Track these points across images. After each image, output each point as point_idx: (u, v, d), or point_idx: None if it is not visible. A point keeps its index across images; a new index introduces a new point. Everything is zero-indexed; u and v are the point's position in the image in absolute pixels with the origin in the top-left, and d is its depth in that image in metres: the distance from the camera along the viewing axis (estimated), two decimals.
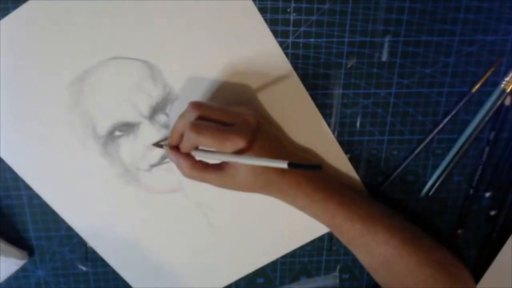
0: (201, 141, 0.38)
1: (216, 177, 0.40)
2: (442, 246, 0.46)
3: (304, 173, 0.42)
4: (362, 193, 0.49)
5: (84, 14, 0.41)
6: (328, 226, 0.44)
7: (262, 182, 0.40)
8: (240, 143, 0.37)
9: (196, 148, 0.40)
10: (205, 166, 0.40)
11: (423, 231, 0.46)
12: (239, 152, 0.38)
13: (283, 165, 0.35)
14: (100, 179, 0.46)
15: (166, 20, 0.42)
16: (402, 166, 0.49)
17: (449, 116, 0.47)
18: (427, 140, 0.48)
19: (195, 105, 0.39)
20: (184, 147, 0.40)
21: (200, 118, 0.39)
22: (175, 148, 0.41)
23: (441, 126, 0.47)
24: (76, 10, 0.41)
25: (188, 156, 0.40)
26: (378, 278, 0.46)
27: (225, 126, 0.38)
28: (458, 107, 0.47)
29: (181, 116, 0.40)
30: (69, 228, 0.48)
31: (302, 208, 0.43)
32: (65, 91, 0.43)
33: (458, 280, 0.44)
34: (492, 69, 0.46)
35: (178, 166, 0.41)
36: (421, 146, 0.48)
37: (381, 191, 0.50)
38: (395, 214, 0.46)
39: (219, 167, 0.40)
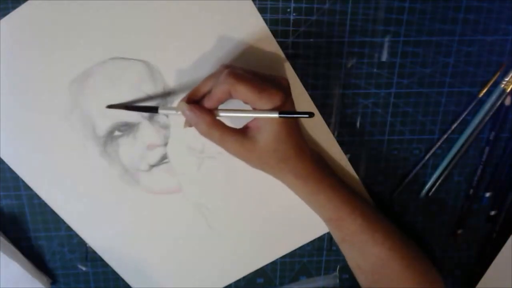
0: (238, 89, 0.36)
1: (235, 141, 0.39)
2: (423, 253, 0.46)
3: (316, 157, 0.42)
4: (362, 193, 0.49)
5: (84, 14, 0.41)
6: (328, 219, 0.44)
7: (281, 154, 0.40)
8: (276, 99, 0.37)
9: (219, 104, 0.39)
10: (225, 126, 0.39)
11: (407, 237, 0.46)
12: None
13: (274, 114, 0.36)
14: (99, 179, 0.46)
15: (166, 20, 0.42)
16: (416, 170, 0.49)
17: (459, 120, 0.47)
18: (440, 142, 0.48)
19: (227, 67, 0.39)
20: (213, 98, 0.38)
21: None
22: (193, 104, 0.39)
23: (451, 129, 0.47)
24: (76, 10, 0.41)
25: (209, 111, 0.38)
26: (363, 280, 0.46)
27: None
28: (467, 111, 0.47)
29: (210, 76, 0.39)
30: (69, 228, 0.48)
31: (309, 194, 0.43)
32: (64, 91, 0.43)
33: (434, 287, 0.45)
34: (498, 73, 0.46)
35: (196, 123, 0.38)
36: (432, 151, 0.48)
37: (381, 192, 0.50)
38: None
39: (239, 131, 0.39)
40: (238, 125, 0.41)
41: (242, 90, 0.36)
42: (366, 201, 0.45)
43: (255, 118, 0.39)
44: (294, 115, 0.36)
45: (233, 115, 0.39)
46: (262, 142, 0.39)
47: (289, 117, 0.36)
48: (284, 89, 0.39)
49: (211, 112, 0.38)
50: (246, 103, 0.38)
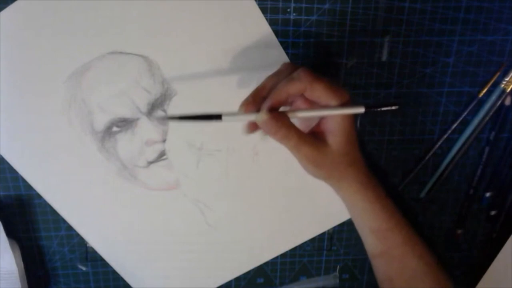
0: (315, 87, 0.35)
1: (311, 145, 0.37)
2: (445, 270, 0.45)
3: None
4: None
5: (82, 7, 0.41)
6: (377, 229, 0.42)
7: (350, 158, 0.38)
8: (346, 95, 0.36)
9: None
10: (300, 130, 0.37)
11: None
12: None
13: (360, 109, 0.35)
14: (97, 175, 0.46)
15: (166, 15, 0.42)
16: (416, 170, 0.49)
17: (459, 120, 0.47)
18: (440, 142, 0.48)
19: (292, 65, 0.38)
20: (281, 96, 0.36)
21: None
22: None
23: (451, 129, 0.47)
24: (75, 4, 0.41)
25: (286, 116, 0.36)
26: None
27: None
28: (467, 111, 0.47)
29: (273, 75, 0.38)
30: (69, 228, 0.48)
31: (367, 202, 0.41)
32: (62, 86, 0.43)
33: None
34: (498, 73, 0.46)
35: (276, 131, 0.36)
36: (432, 151, 0.48)
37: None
38: None
39: (313, 135, 0.38)
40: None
41: (319, 87, 0.36)
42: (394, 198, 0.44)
43: (324, 122, 0.38)
44: (381, 107, 0.34)
45: (316, 114, 0.37)
46: (335, 145, 0.37)
47: (376, 111, 0.34)
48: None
49: (287, 116, 0.36)
50: (311, 101, 0.37)
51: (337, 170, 0.39)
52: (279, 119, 0.36)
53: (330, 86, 0.36)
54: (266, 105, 0.36)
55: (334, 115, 0.37)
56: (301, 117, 0.37)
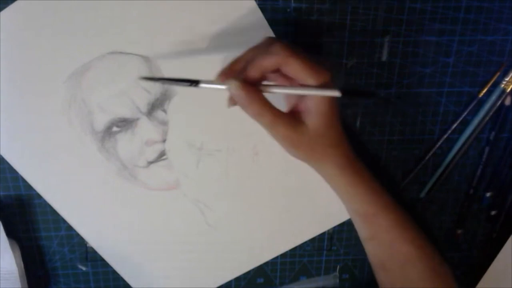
0: (290, 62, 0.34)
1: (287, 124, 0.36)
2: (444, 258, 0.45)
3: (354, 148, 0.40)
4: None
5: (82, 7, 0.41)
6: (363, 213, 0.42)
7: (328, 140, 0.38)
8: (326, 76, 0.35)
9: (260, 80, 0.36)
10: (276, 108, 0.36)
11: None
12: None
13: (336, 93, 0.33)
14: (97, 175, 0.46)
15: (166, 15, 0.42)
16: (416, 170, 0.49)
17: (459, 120, 0.47)
18: (440, 142, 0.48)
19: (273, 39, 0.37)
20: (257, 70, 0.35)
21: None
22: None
23: (451, 129, 0.47)
24: (74, 4, 0.41)
25: (260, 91, 0.35)
26: (384, 280, 0.44)
27: None
28: (467, 111, 0.47)
29: (253, 48, 0.37)
30: (69, 228, 0.48)
31: (348, 186, 0.41)
32: (62, 86, 0.43)
33: None
34: (498, 73, 0.46)
35: (248, 103, 0.35)
36: (432, 151, 0.48)
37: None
38: None
39: (290, 114, 0.37)
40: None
41: (295, 63, 0.34)
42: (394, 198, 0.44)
43: (302, 101, 0.37)
44: (357, 94, 0.33)
45: (289, 92, 0.36)
46: (312, 126, 0.36)
47: (352, 96, 0.33)
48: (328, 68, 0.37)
49: (260, 91, 0.35)
50: (291, 78, 0.36)
51: (315, 151, 0.38)
52: (251, 91, 0.35)
53: (307, 63, 0.34)
54: (240, 76, 0.35)
55: (313, 95, 0.36)
56: (275, 94, 0.36)
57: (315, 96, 0.36)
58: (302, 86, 0.36)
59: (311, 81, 0.35)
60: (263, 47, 0.36)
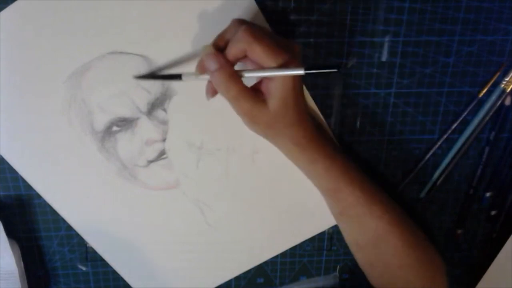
0: (253, 48, 0.36)
1: (249, 99, 0.38)
2: (422, 231, 0.45)
3: (316, 126, 0.42)
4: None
5: (82, 7, 0.41)
6: (326, 189, 0.43)
7: (287, 120, 0.39)
8: (285, 56, 0.36)
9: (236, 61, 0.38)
10: (243, 83, 0.38)
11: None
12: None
13: (300, 71, 0.35)
14: (97, 175, 0.46)
15: (166, 15, 0.42)
16: (416, 170, 0.49)
17: (459, 120, 0.47)
18: (440, 142, 0.48)
19: (240, 22, 0.38)
20: (228, 56, 0.37)
21: None
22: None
23: (451, 129, 0.47)
24: (74, 4, 0.41)
25: (230, 64, 0.37)
26: (362, 257, 0.45)
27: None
28: (467, 111, 0.47)
29: (224, 32, 0.39)
30: (69, 228, 0.48)
31: (307, 163, 0.42)
32: (62, 86, 0.43)
33: (434, 266, 0.44)
34: (498, 73, 0.46)
35: (216, 70, 0.37)
36: (432, 151, 0.48)
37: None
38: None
39: (253, 92, 0.38)
40: None
41: (257, 49, 0.36)
42: (364, 173, 0.44)
43: (265, 83, 0.38)
44: (320, 69, 0.34)
45: (256, 75, 0.38)
46: (271, 106, 0.38)
47: (315, 73, 0.35)
48: (296, 55, 0.38)
49: (232, 66, 0.37)
50: (256, 62, 0.37)
51: (272, 129, 0.40)
52: (221, 60, 0.37)
53: (268, 48, 0.36)
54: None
55: (274, 77, 0.37)
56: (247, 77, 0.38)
57: (276, 79, 0.37)
58: (266, 68, 0.37)
59: (271, 63, 0.36)
60: (231, 31, 0.38)
